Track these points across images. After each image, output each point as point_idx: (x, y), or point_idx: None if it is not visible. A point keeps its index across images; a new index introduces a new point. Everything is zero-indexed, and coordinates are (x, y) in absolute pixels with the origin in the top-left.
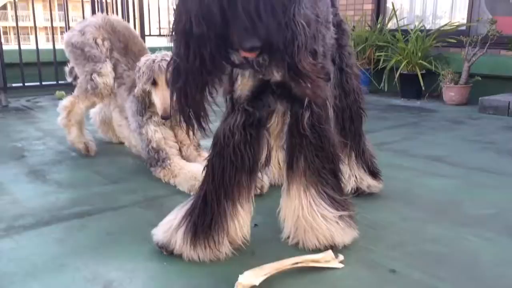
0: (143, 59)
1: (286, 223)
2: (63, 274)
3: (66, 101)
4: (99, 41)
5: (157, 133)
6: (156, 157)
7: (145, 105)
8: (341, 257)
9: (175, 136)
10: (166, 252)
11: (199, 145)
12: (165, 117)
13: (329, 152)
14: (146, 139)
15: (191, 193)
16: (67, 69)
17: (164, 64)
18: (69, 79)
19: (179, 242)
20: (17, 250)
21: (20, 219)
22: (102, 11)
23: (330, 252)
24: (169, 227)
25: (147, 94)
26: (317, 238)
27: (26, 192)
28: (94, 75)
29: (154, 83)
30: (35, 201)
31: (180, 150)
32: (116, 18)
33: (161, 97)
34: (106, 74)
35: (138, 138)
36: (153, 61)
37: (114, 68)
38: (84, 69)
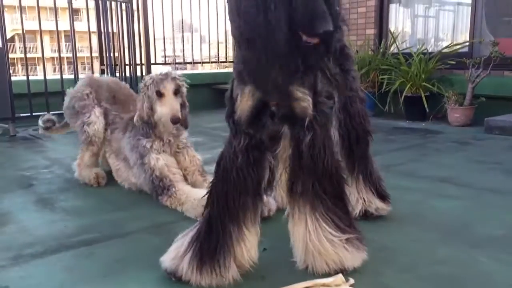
0: (146, 77)
1: (295, 248)
2: None
3: (77, 159)
4: (86, 92)
5: (160, 160)
6: (161, 185)
7: (151, 125)
8: (351, 280)
9: (178, 163)
10: (174, 278)
11: (204, 170)
12: (174, 120)
13: (332, 175)
14: (149, 169)
15: (198, 219)
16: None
17: (167, 76)
18: None
19: (185, 268)
20: (25, 279)
21: (29, 248)
22: (108, 41)
23: (340, 276)
24: (176, 253)
25: (152, 112)
26: (326, 262)
27: (34, 221)
28: (85, 127)
29: (160, 95)
30: (43, 229)
31: (185, 177)
32: (100, 76)
33: (168, 105)
34: (94, 121)
35: (138, 171)
36: (157, 75)
37: (105, 116)
38: (77, 124)
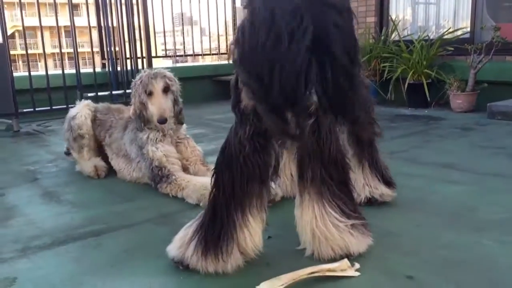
0: (138, 76)
1: (301, 234)
2: None
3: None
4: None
5: (158, 151)
6: (160, 174)
7: (143, 120)
8: (357, 265)
9: (180, 153)
10: (182, 267)
11: (205, 160)
12: (161, 121)
13: (337, 161)
14: (149, 159)
15: (201, 204)
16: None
17: (156, 75)
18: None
19: (191, 255)
20: (34, 270)
21: (36, 240)
22: (109, 35)
23: (346, 260)
24: (182, 242)
25: (144, 107)
26: (332, 248)
27: (41, 213)
28: (71, 122)
29: (150, 94)
30: (50, 221)
31: (187, 167)
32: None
33: (157, 104)
34: (79, 113)
35: (140, 162)
36: (147, 74)
37: (102, 126)
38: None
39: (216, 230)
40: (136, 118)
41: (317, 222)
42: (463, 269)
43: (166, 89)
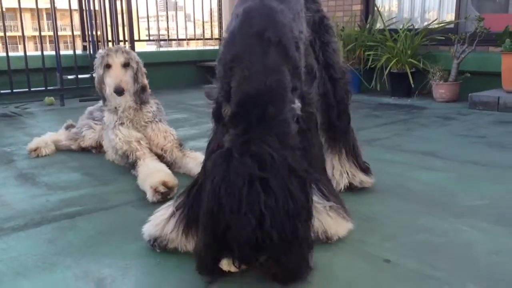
0: (99, 51)
1: None
2: (54, 273)
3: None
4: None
5: (117, 138)
6: (127, 161)
7: (103, 96)
8: None
9: (149, 138)
10: (159, 248)
11: (180, 144)
12: (117, 91)
13: (316, 152)
14: (114, 146)
15: (153, 199)
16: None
17: (117, 50)
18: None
19: (170, 231)
20: (6, 251)
21: (10, 221)
22: (90, 18)
23: None
24: (161, 219)
25: (102, 84)
26: None
27: (15, 195)
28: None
29: (108, 66)
30: (25, 203)
31: (163, 157)
32: None
33: (113, 75)
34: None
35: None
36: (107, 49)
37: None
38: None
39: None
40: (99, 94)
41: None
42: (440, 253)
43: (125, 64)
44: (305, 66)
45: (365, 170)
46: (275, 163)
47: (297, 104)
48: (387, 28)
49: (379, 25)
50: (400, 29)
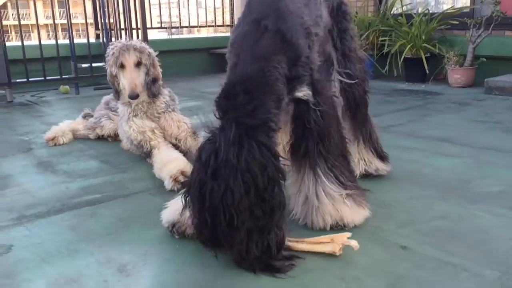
0: (110, 47)
1: (294, 203)
2: (77, 259)
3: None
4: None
5: (134, 129)
6: (142, 150)
7: (116, 90)
8: (348, 234)
9: (164, 128)
10: (177, 234)
11: (194, 133)
12: (132, 97)
13: (335, 140)
14: (129, 137)
15: (171, 187)
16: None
17: (129, 48)
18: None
19: (188, 217)
20: (30, 238)
21: (32, 209)
22: (103, 4)
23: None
24: (179, 205)
25: (115, 79)
26: (323, 217)
27: (35, 183)
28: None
29: (121, 66)
30: (45, 191)
31: (178, 146)
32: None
33: (128, 78)
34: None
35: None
36: (120, 45)
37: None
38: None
39: None
40: (112, 87)
41: (309, 191)
42: (456, 239)
43: (138, 63)
44: (322, 53)
45: (382, 157)
46: (221, 160)
47: (306, 92)
48: (404, 13)
49: (394, 10)
50: (415, 13)
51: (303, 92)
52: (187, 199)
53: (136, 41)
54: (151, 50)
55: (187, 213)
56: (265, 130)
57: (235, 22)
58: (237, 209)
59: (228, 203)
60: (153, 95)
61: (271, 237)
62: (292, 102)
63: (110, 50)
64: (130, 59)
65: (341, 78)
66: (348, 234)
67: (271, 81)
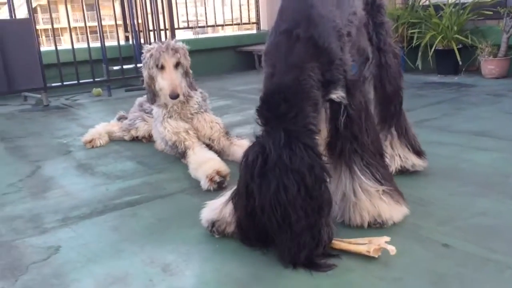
0: (146, 48)
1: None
2: (122, 259)
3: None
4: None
5: (166, 130)
6: (177, 151)
7: (153, 93)
8: (386, 238)
9: (197, 129)
10: (217, 233)
11: (227, 133)
12: (173, 97)
13: (370, 138)
14: (164, 138)
15: (207, 187)
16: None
17: (167, 49)
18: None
19: (228, 215)
20: (76, 239)
21: (75, 210)
22: (131, 7)
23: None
24: (219, 204)
25: (153, 81)
26: (361, 213)
27: (77, 185)
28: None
29: (161, 67)
30: (87, 192)
31: (211, 146)
32: None
33: (168, 79)
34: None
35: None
36: (157, 47)
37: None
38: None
39: None
40: (148, 90)
41: (346, 188)
42: (498, 236)
43: (177, 64)
44: (357, 48)
45: (419, 153)
46: (272, 161)
47: (340, 94)
48: (432, 4)
49: (422, 1)
50: (445, 4)
51: (337, 94)
52: (234, 197)
53: (173, 41)
54: (185, 47)
55: (227, 211)
56: (309, 134)
57: (261, 20)
58: (292, 206)
59: (281, 200)
60: (194, 89)
61: (322, 234)
62: (326, 103)
63: (147, 52)
64: (169, 60)
65: (376, 73)
66: (387, 238)
67: (307, 88)
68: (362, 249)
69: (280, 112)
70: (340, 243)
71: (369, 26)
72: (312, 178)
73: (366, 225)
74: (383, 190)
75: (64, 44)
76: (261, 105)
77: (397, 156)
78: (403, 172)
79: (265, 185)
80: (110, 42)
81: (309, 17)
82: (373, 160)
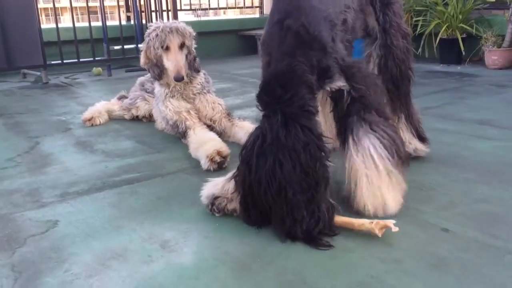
0: (151, 28)
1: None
2: (121, 234)
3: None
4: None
5: (167, 109)
6: (178, 130)
7: (159, 70)
8: (392, 221)
9: (199, 110)
10: (218, 211)
11: (229, 114)
12: (178, 78)
13: (379, 111)
14: (165, 117)
15: (207, 167)
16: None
17: (172, 30)
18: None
19: (231, 192)
20: (74, 214)
21: (74, 186)
22: None
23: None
24: (221, 180)
25: (161, 59)
26: (372, 193)
27: (76, 162)
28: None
29: (167, 48)
30: (86, 169)
31: (213, 127)
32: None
33: (173, 60)
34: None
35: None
36: (163, 26)
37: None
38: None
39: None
40: (150, 67)
41: (363, 165)
42: (499, 222)
43: (182, 45)
44: (365, 28)
45: (422, 138)
46: (269, 140)
47: (338, 83)
48: None
49: None
50: None
51: (335, 84)
52: (236, 175)
53: (178, 22)
54: (191, 31)
55: (230, 187)
56: (306, 115)
57: (264, 4)
58: (287, 181)
59: (276, 175)
60: (197, 71)
61: (322, 210)
62: (329, 93)
63: (152, 31)
64: (175, 41)
65: (381, 54)
66: (392, 221)
67: (300, 72)
68: (366, 225)
69: (276, 95)
70: (343, 218)
71: (376, 6)
72: (307, 156)
73: (370, 206)
74: (390, 170)
75: (64, 23)
76: (260, 91)
77: None
78: None
79: (262, 161)
80: (111, 22)
81: (299, 8)
82: (381, 128)
